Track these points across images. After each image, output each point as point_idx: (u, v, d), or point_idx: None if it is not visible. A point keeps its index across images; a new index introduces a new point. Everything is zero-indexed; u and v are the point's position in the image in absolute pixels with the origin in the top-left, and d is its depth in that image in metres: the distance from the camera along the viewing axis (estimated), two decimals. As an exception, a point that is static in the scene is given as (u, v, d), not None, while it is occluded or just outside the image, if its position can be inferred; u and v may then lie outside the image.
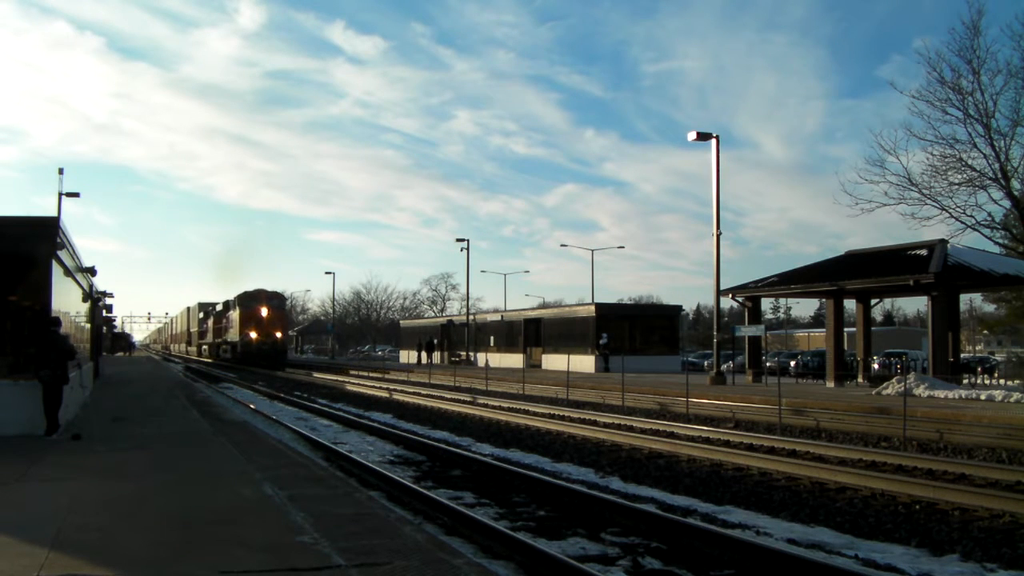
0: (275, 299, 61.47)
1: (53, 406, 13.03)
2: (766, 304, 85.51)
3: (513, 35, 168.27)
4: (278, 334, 58.46)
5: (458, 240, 57.53)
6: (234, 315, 61.26)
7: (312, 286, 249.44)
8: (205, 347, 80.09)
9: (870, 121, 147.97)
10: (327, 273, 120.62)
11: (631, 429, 16.87)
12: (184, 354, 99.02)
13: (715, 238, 30.01)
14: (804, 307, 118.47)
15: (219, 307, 72.42)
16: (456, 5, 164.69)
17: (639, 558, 7.04)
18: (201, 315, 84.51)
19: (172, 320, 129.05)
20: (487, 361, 43.88)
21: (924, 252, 26.49)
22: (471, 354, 52.88)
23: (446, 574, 5.41)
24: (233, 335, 61.30)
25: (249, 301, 59.31)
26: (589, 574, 6.06)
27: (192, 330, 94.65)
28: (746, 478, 11.28)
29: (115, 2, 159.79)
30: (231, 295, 69.25)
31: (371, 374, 45.86)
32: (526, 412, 20.68)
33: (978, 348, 79.39)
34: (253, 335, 56.98)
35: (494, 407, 22.04)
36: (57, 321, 13.59)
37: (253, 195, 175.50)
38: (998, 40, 37.86)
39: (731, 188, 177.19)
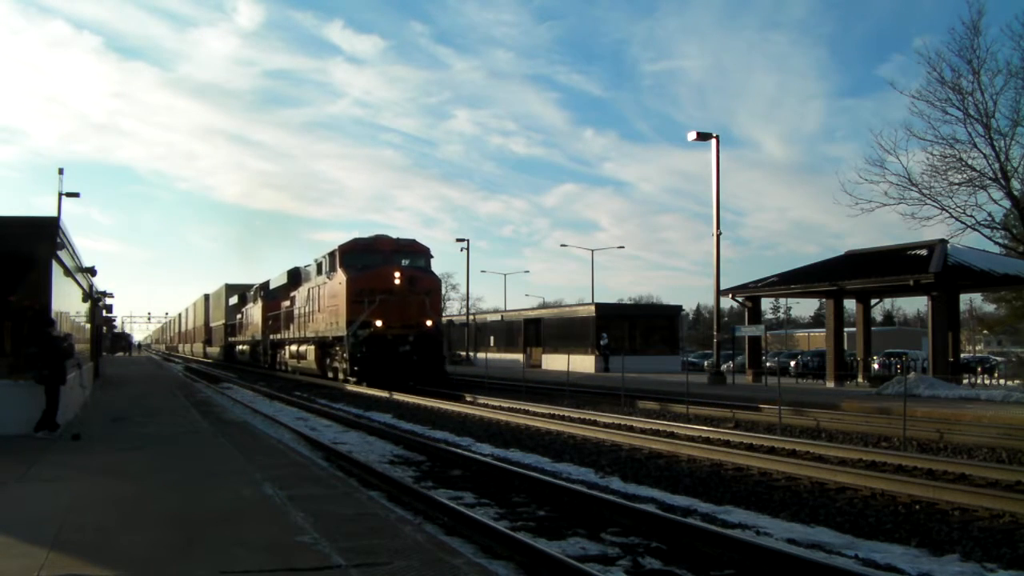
0: (414, 253, 31.73)
1: (49, 406, 13.01)
2: (766, 304, 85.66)
3: (512, 34, 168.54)
4: (428, 322, 29.56)
5: (458, 240, 57.29)
6: (332, 287, 31.63)
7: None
8: (243, 348, 54.37)
9: (870, 121, 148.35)
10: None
11: (631, 429, 16.86)
12: (200, 357, 76.67)
13: (715, 238, 30.04)
14: (804, 307, 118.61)
15: (278, 283, 44.08)
16: (455, 4, 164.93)
17: (639, 558, 7.03)
18: (234, 301, 58.12)
19: (181, 314, 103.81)
20: (487, 361, 43.88)
21: (924, 252, 26.51)
22: (471, 354, 52.86)
23: (446, 574, 5.41)
24: (328, 325, 31.94)
25: (366, 257, 30.73)
26: (589, 574, 6.06)
27: (214, 324, 69.79)
28: (746, 478, 11.27)
29: (113, 1, 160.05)
30: (264, 276, 46.11)
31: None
32: (526, 412, 20.66)
33: (978, 348, 79.31)
34: (378, 323, 28.84)
35: (494, 407, 22.00)
36: (51, 321, 13.57)
37: (253, 195, 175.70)
38: (998, 40, 38.05)
39: (731, 188, 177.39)
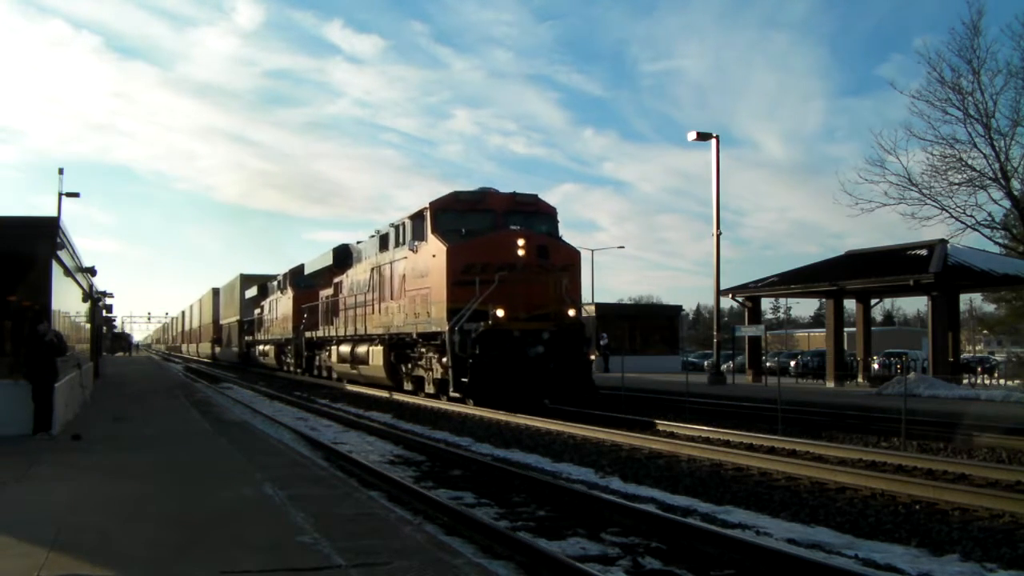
0: (538, 214, 22.06)
1: (40, 406, 13.02)
2: (766, 304, 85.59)
3: (512, 34, 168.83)
4: (570, 311, 20.54)
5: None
6: (419, 262, 22.08)
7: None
8: (265, 348, 46.35)
9: (870, 120, 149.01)
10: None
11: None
12: (207, 359, 69.21)
13: (715, 238, 30.04)
14: (804, 307, 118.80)
15: (317, 266, 35.33)
16: (454, 4, 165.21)
17: (639, 558, 7.03)
18: (251, 293, 50.34)
19: (184, 311, 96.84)
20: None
21: (924, 252, 26.55)
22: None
23: (446, 574, 5.42)
24: (410, 317, 22.60)
25: (470, 218, 21.59)
26: (589, 574, 6.06)
27: (225, 321, 61.95)
28: (746, 478, 11.27)
29: (112, 1, 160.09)
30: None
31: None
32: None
33: (978, 348, 79.37)
34: (500, 313, 19.49)
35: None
36: (39, 318, 13.59)
37: (252, 195, 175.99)
38: (998, 40, 38.02)
39: (731, 188, 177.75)
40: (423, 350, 22.57)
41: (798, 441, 14.27)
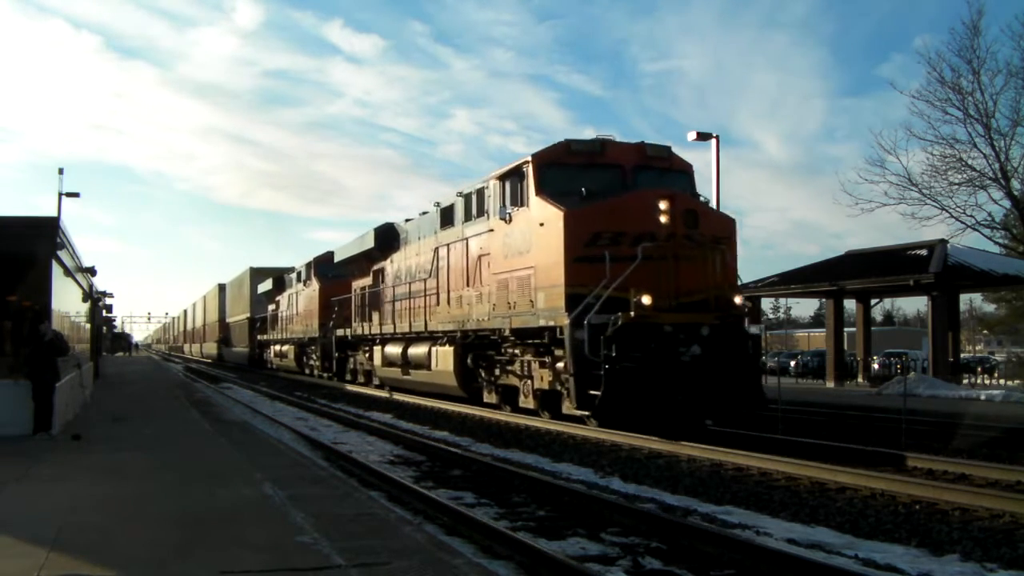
0: (673, 172, 16.34)
1: (40, 405, 13.04)
2: (766, 304, 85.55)
3: (512, 34, 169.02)
4: (736, 298, 15.43)
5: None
6: (515, 233, 16.18)
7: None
8: (283, 348, 40.72)
9: (870, 120, 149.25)
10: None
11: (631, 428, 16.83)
12: (214, 360, 64.58)
13: (715, 238, 29.95)
14: (804, 307, 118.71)
15: (350, 252, 29.49)
16: (454, 3, 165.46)
17: (639, 558, 7.03)
18: (264, 287, 45.75)
19: (187, 310, 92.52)
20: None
21: (924, 252, 26.58)
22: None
23: (446, 574, 5.42)
24: (496, 308, 16.90)
25: (587, 175, 15.41)
26: (589, 574, 6.06)
27: (232, 320, 58.19)
28: (746, 478, 11.27)
29: (112, 1, 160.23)
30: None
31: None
32: (527, 411, 20.63)
33: (978, 348, 79.41)
34: (645, 300, 13.65)
35: (495, 406, 21.92)
36: (39, 318, 13.61)
37: (252, 195, 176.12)
38: (998, 40, 38.12)
39: (731, 188, 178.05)
40: (516, 351, 17.34)
41: (798, 440, 14.25)
